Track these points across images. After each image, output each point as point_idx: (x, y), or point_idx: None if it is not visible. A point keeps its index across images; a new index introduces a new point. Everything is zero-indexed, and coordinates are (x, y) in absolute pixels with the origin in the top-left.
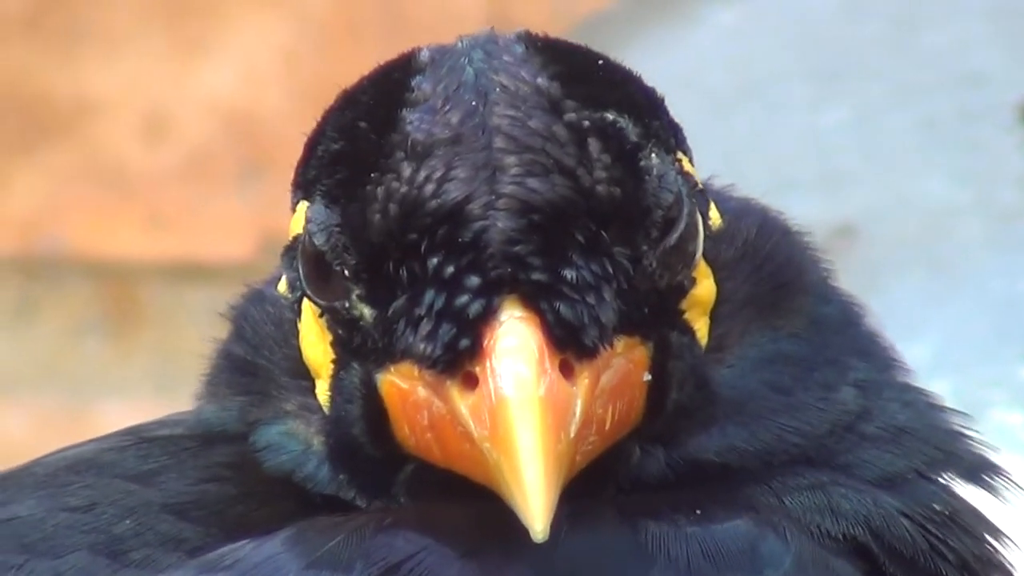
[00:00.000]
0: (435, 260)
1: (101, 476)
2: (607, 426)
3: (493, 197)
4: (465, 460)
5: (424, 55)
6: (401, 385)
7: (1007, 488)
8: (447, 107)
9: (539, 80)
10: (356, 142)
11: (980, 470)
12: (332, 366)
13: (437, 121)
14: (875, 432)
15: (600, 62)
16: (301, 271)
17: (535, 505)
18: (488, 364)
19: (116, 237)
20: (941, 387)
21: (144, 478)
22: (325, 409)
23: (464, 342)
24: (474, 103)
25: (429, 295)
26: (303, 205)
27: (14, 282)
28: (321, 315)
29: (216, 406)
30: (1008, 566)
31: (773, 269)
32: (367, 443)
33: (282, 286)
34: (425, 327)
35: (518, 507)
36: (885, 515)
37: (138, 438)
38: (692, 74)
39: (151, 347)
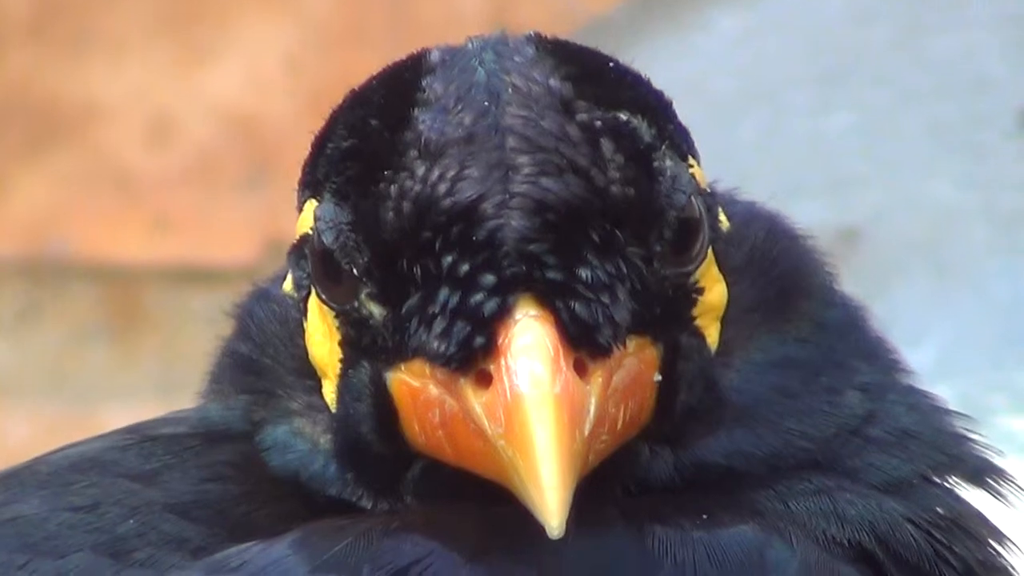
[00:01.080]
0: (449, 258)
1: (104, 475)
2: (619, 425)
3: (507, 196)
4: (477, 457)
5: (434, 56)
6: (412, 383)
7: (1011, 492)
8: (459, 107)
9: (551, 81)
10: (367, 140)
11: (985, 474)
12: (340, 365)
13: (450, 121)
14: (880, 435)
15: (610, 64)
16: (309, 270)
17: (551, 502)
18: (503, 362)
19: (121, 241)
20: (945, 392)
21: (147, 477)
22: (332, 408)
23: (479, 340)
24: (486, 103)
25: (443, 293)
26: (311, 204)
27: (19, 286)
28: (336, 316)
29: (220, 404)
30: (1011, 570)
31: (780, 274)
32: (375, 441)
33: (288, 285)
34: (439, 325)
35: (533, 504)
36: (890, 521)
37: (141, 436)
38: (698, 79)
39: (156, 351)
